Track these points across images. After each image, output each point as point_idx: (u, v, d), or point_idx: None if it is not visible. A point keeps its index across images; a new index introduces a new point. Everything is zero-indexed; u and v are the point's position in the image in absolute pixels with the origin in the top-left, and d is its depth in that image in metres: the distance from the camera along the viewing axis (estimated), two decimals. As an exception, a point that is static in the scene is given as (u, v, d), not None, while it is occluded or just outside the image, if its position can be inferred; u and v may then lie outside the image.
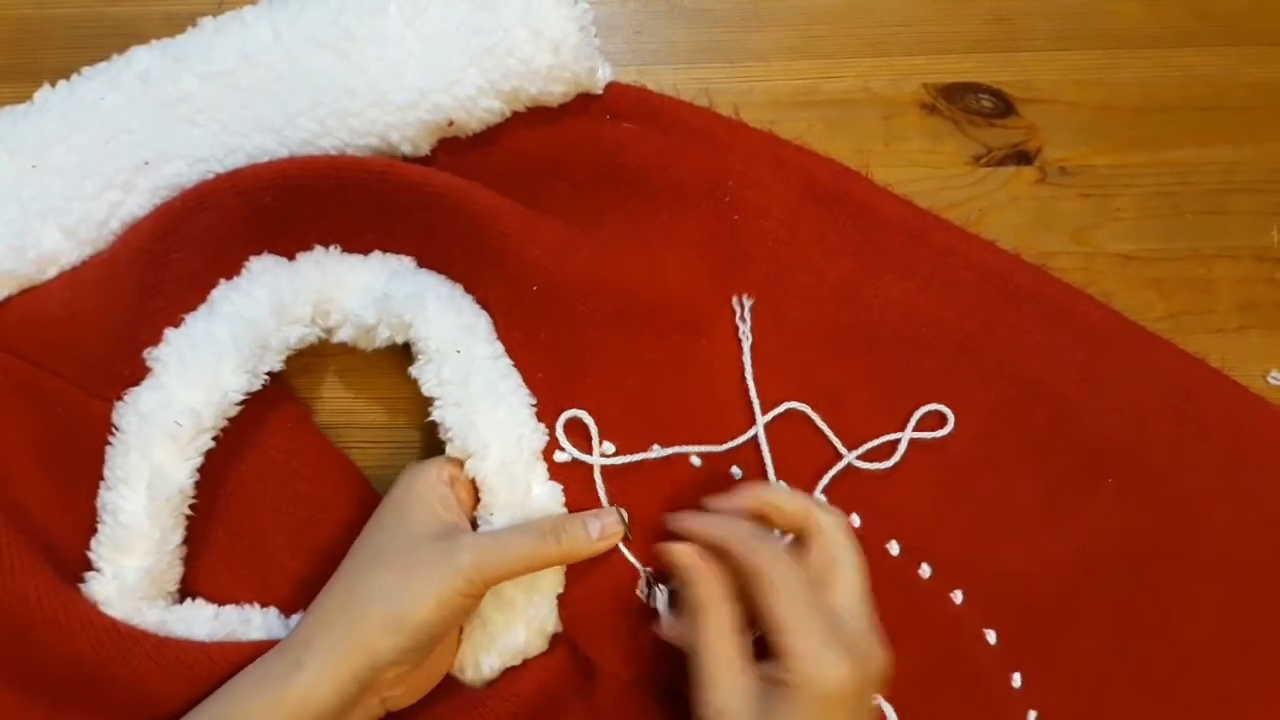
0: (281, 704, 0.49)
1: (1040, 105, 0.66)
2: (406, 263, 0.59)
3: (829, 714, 0.49)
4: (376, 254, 0.59)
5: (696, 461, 0.60)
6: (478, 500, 0.56)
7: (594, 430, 0.59)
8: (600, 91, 0.60)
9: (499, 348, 0.58)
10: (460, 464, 0.56)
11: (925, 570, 0.61)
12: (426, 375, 0.56)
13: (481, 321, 0.58)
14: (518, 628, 0.56)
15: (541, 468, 0.57)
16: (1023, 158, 0.66)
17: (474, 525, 0.56)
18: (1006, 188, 0.66)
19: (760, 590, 0.51)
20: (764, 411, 0.61)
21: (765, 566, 0.51)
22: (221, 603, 0.57)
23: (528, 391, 0.58)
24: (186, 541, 0.57)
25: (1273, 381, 0.65)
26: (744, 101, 0.65)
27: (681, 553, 0.54)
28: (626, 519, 0.56)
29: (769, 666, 0.51)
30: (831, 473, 0.61)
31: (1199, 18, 0.67)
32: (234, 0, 0.60)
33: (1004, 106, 0.66)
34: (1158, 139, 0.66)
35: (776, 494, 0.55)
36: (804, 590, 0.51)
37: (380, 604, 0.50)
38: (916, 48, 0.66)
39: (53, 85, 0.57)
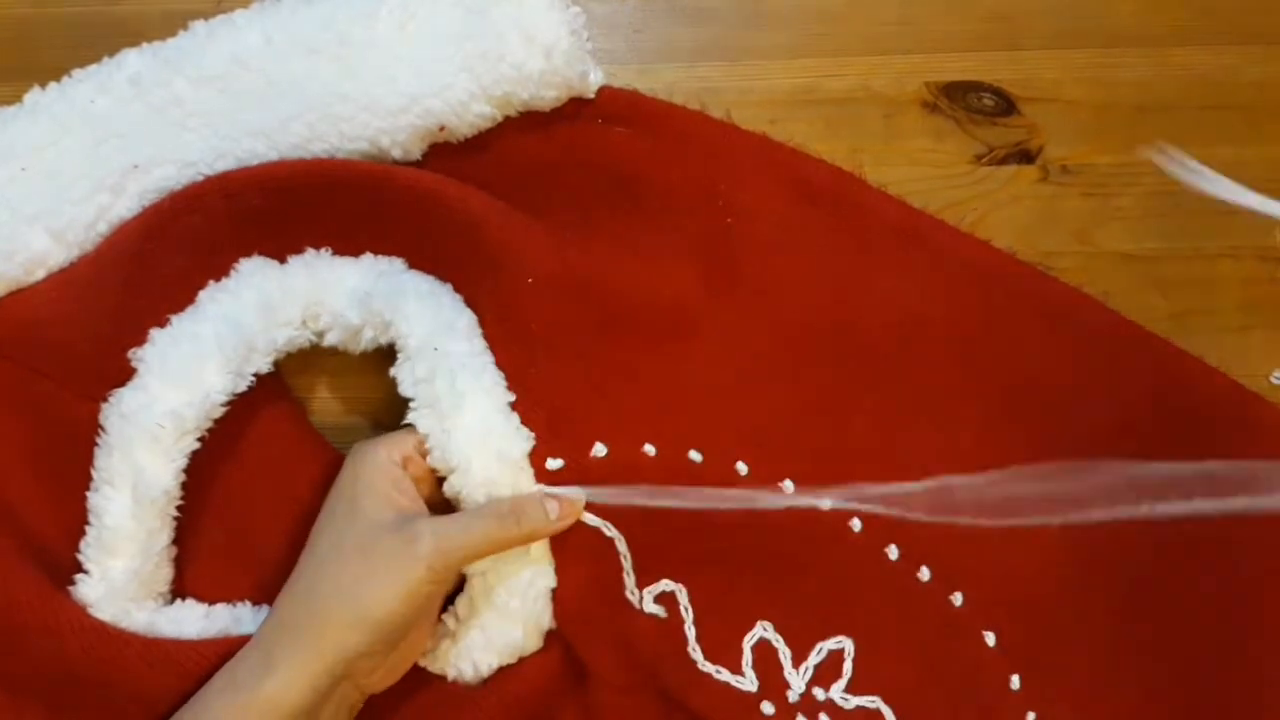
0: (255, 706, 0.49)
1: (1042, 104, 0.65)
2: (396, 264, 0.58)
3: None
4: (367, 256, 0.58)
5: (696, 457, 0.59)
6: (436, 476, 0.55)
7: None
8: (592, 96, 0.60)
9: (479, 345, 0.56)
10: (411, 440, 0.54)
11: (925, 573, 0.60)
12: (403, 375, 0.55)
13: (463, 319, 0.57)
14: (514, 629, 0.56)
15: (527, 476, 0.55)
16: (1024, 156, 0.65)
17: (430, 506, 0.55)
18: (1008, 187, 0.65)
19: None
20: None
21: None
22: (218, 602, 0.57)
23: (505, 388, 0.56)
24: (183, 541, 0.56)
25: (1275, 381, 0.64)
26: (744, 100, 0.64)
27: None
28: (584, 501, 0.55)
29: None
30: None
31: (1201, 16, 0.66)
32: (232, 0, 0.60)
33: (1005, 105, 0.65)
34: (1159, 138, 0.65)
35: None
36: None
37: (344, 601, 0.50)
38: (917, 46, 0.65)
39: (45, 86, 0.57)
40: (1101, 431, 0.61)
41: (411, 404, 0.55)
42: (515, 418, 0.56)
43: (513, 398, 0.56)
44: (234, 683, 0.50)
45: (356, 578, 0.50)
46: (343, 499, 0.53)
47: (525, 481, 0.55)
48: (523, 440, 0.55)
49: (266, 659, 0.50)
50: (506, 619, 0.55)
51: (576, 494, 0.55)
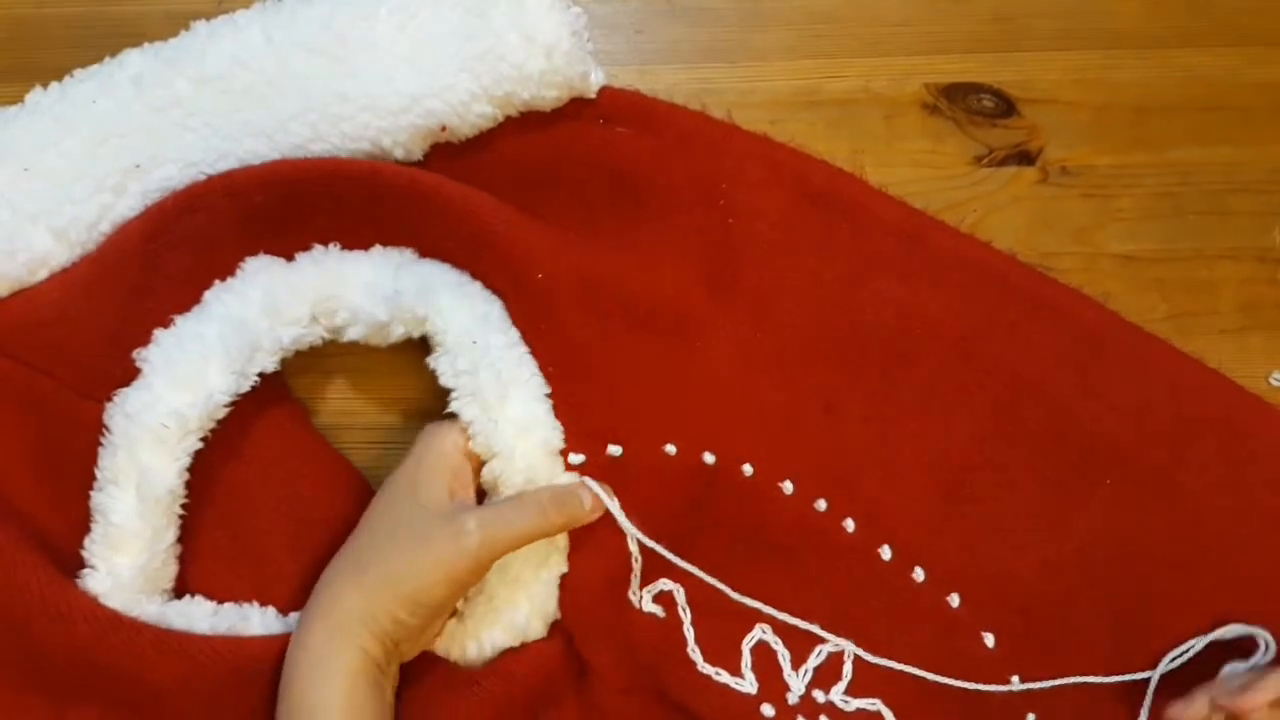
0: (337, 677, 0.51)
1: (1041, 105, 0.65)
2: (408, 254, 0.58)
3: None
4: (377, 248, 0.58)
5: (710, 459, 0.59)
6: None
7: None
8: (593, 96, 0.60)
9: (514, 335, 0.57)
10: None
11: (919, 574, 0.60)
12: (443, 366, 0.56)
13: (495, 309, 0.57)
14: (522, 604, 0.56)
15: (559, 464, 0.57)
16: (1024, 158, 0.65)
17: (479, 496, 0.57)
18: (1008, 188, 0.64)
19: None
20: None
21: None
22: (220, 602, 0.56)
23: (543, 380, 0.57)
24: (185, 541, 0.56)
25: (1274, 383, 0.63)
26: (745, 101, 0.64)
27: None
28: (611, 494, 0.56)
29: None
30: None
31: (1200, 17, 0.66)
32: (234, 1, 0.59)
33: (1005, 106, 0.65)
34: (1159, 139, 0.65)
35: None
36: None
37: (395, 584, 0.52)
38: (917, 47, 0.65)
39: (47, 87, 0.56)
40: (1099, 432, 0.61)
41: (454, 394, 0.56)
42: (550, 407, 0.57)
43: (550, 389, 0.57)
44: (310, 656, 0.52)
45: (409, 562, 0.52)
46: (406, 477, 0.55)
47: (560, 471, 0.57)
48: (559, 431, 0.57)
49: (334, 635, 0.51)
50: (515, 595, 0.56)
51: (605, 488, 0.56)
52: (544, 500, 0.54)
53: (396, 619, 0.51)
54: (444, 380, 0.56)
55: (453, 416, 0.56)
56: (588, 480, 0.56)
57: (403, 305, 0.56)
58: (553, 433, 0.56)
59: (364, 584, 0.52)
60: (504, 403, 0.55)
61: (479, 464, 0.56)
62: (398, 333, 0.57)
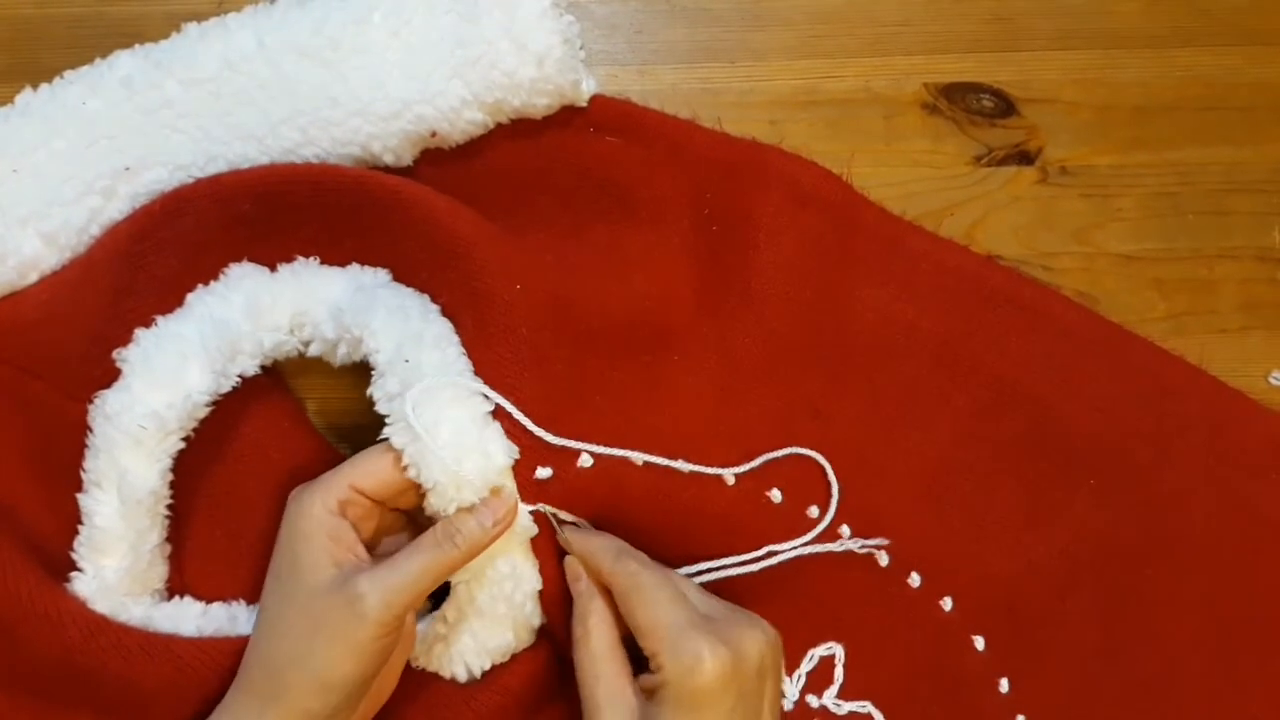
0: None
1: (1041, 105, 0.64)
2: (381, 276, 0.56)
3: (711, 706, 0.47)
4: (354, 267, 0.56)
5: (684, 467, 0.58)
6: (383, 508, 0.52)
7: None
8: (585, 104, 0.58)
9: (452, 353, 0.53)
10: (346, 481, 0.51)
11: (915, 579, 0.60)
12: (377, 392, 0.52)
13: (431, 330, 0.53)
14: (503, 632, 0.54)
15: (508, 489, 0.53)
16: (1024, 158, 0.63)
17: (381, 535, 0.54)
18: (1008, 188, 0.63)
19: (625, 599, 0.50)
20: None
21: (626, 577, 0.50)
22: (218, 600, 0.56)
23: (483, 399, 0.52)
24: (183, 541, 0.56)
25: (1274, 382, 0.62)
26: (744, 101, 0.63)
27: (570, 566, 0.54)
28: (518, 497, 0.53)
29: (645, 677, 0.49)
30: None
31: (1200, 17, 0.64)
32: (235, 1, 0.58)
33: (1005, 106, 0.64)
34: (1159, 139, 0.64)
35: (583, 547, 0.54)
36: (669, 591, 0.50)
37: (299, 670, 0.48)
38: (917, 47, 0.64)
39: (36, 88, 0.55)
40: (1081, 432, 0.60)
41: (387, 420, 0.51)
42: (496, 428, 0.52)
43: (490, 407, 0.53)
44: None
45: (306, 645, 0.48)
46: (284, 556, 0.50)
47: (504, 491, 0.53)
48: (502, 453, 0.52)
49: None
50: (495, 624, 0.54)
51: (507, 496, 0.52)
52: (436, 536, 0.50)
53: (308, 711, 0.47)
54: (378, 407, 0.51)
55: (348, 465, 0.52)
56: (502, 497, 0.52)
57: (343, 324, 0.53)
58: (490, 457, 0.51)
59: (269, 676, 0.48)
60: (437, 427, 0.50)
61: (365, 514, 0.52)
62: (341, 353, 0.54)
